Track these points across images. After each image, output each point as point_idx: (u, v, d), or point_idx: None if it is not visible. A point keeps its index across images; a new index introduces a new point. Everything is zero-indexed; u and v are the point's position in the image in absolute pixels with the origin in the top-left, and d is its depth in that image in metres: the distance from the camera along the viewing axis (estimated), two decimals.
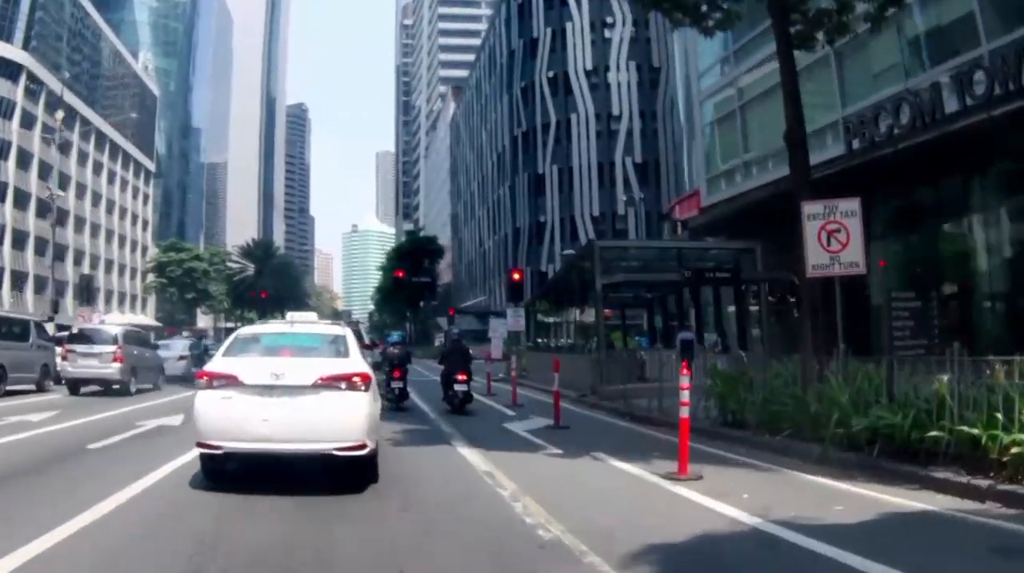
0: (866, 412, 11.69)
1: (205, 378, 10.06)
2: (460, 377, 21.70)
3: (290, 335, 11.54)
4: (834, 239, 13.79)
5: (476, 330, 76.35)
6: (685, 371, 11.52)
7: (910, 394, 11.41)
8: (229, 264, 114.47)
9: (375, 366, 25.02)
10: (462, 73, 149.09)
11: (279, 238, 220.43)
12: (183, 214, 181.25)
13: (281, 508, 9.08)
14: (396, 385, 22.61)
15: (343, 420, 9.86)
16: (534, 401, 25.58)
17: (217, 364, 10.42)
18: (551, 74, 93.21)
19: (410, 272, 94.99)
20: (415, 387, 26.93)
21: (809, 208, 13.97)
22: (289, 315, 13.26)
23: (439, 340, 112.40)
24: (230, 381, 9.87)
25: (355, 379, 10.03)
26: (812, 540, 7.64)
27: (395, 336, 26.67)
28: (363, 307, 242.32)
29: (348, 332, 11.80)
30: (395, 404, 22.18)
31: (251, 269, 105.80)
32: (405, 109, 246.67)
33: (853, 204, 13.86)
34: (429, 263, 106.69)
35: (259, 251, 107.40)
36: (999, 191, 21.73)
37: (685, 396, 11.48)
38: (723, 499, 9.58)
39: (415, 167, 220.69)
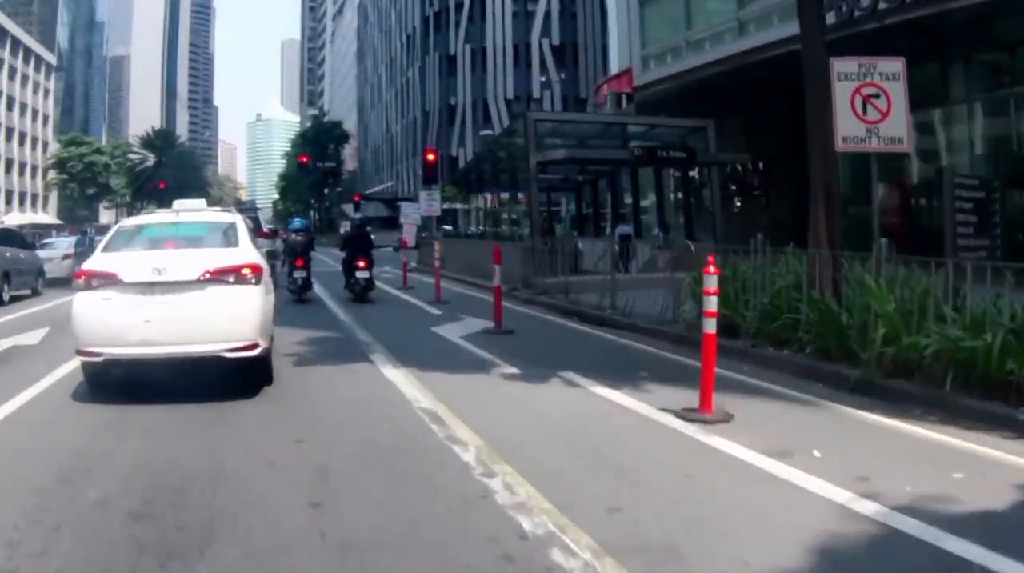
0: (921, 328, 8.83)
1: (83, 278, 9.14)
2: (361, 264, 20.97)
3: (175, 225, 10.68)
4: (871, 107, 10.74)
5: (384, 217, 75.14)
6: (712, 269, 8.38)
7: (990, 310, 8.50)
8: (130, 156, 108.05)
9: (274, 255, 22.14)
10: None
11: (182, 129, 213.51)
12: (87, 110, 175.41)
13: (166, 417, 8.27)
14: (299, 274, 21.25)
15: (232, 318, 9.09)
16: (458, 295, 22.68)
17: (95, 261, 9.51)
18: None
19: (315, 158, 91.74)
20: (319, 279, 24.85)
21: (841, 66, 10.84)
22: (176, 204, 11.75)
23: (344, 228, 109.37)
24: (109, 280, 9.01)
25: (244, 271, 9.23)
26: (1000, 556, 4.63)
27: (297, 222, 24.06)
28: (267, 196, 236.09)
29: (239, 219, 10.94)
30: (298, 295, 21.14)
31: (151, 160, 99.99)
32: None
33: (895, 65, 10.93)
34: (335, 149, 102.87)
35: (159, 141, 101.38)
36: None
37: (711, 304, 8.39)
38: (790, 461, 6.58)
39: (320, 53, 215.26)
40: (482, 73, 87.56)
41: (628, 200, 32.50)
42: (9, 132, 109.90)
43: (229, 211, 11.95)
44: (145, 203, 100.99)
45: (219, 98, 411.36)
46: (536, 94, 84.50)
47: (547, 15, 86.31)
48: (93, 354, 8.97)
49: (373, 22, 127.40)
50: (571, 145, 26.51)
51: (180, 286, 8.95)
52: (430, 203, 33.77)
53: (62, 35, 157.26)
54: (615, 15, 39.29)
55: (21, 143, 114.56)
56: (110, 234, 10.45)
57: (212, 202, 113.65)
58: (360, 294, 20.83)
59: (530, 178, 24.83)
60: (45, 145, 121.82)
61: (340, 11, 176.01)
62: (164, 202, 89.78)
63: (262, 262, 9.81)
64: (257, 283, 9.30)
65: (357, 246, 21.78)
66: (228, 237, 10.16)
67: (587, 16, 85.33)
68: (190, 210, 11.46)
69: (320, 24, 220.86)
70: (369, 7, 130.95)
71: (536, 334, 14.93)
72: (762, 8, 23.97)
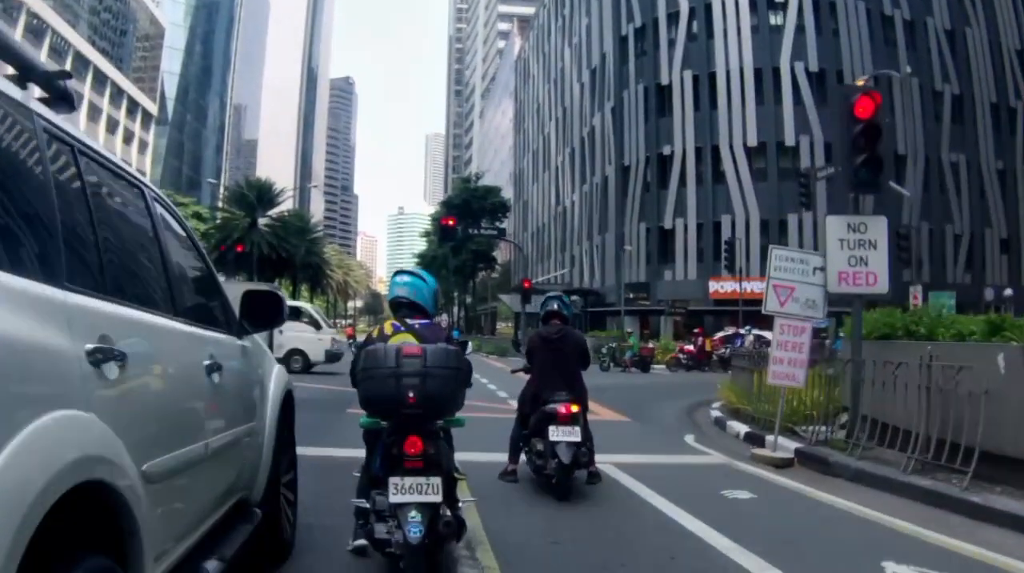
0: None
1: None
2: (563, 410, 8.94)
3: None
4: None
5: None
6: None
7: None
8: (218, 215, 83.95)
9: None
10: (527, 9, 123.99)
11: (318, 215, 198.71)
12: (198, 174, 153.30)
13: None
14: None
15: None
16: None
17: None
18: None
19: (465, 230, 66.05)
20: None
21: None
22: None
23: (502, 327, 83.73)
24: None
25: None
26: None
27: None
28: None
29: None
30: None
31: (242, 220, 75.10)
32: (457, 79, 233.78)
33: None
34: (489, 224, 76.13)
35: (252, 194, 76.34)
36: None
37: None
38: None
39: (467, 137, 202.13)
40: (710, 109, 60.48)
41: None
42: None
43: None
44: (228, 274, 77.00)
45: (360, 189, 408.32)
46: (790, 139, 57.42)
47: (799, 30, 59.19)
48: None
49: (536, 74, 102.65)
50: None
51: None
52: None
53: (168, 83, 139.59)
54: None
55: None
56: None
57: (331, 286, 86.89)
58: (560, 484, 8.63)
59: None
60: None
61: (493, 80, 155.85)
62: (258, 274, 65.32)
63: None
64: None
65: (553, 358, 9.47)
66: None
67: (852, 33, 58.98)
68: None
69: (468, 105, 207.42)
70: (531, 58, 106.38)
71: None
72: None
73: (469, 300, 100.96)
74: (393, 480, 5.26)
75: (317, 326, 31.16)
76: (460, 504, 5.75)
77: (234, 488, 4.68)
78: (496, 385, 25.18)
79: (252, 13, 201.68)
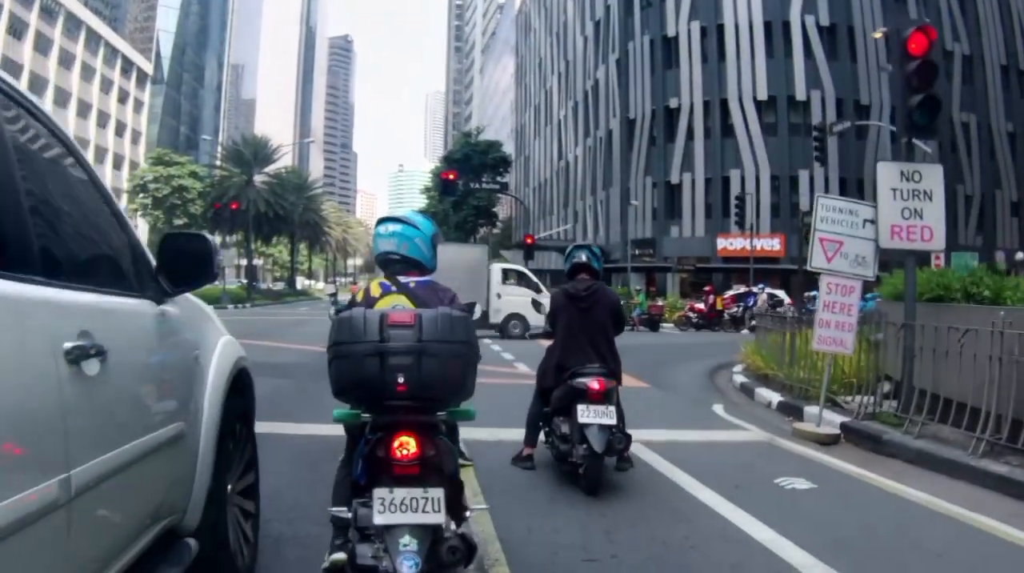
0: None
1: None
2: (595, 386, 7.30)
3: None
4: None
5: (560, 270, 51.04)
6: None
7: None
8: (216, 173, 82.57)
9: None
10: None
11: (317, 173, 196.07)
12: (195, 132, 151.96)
13: None
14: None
15: None
16: None
17: None
18: None
19: (466, 183, 64.88)
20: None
21: None
22: None
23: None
24: None
25: None
26: None
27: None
28: None
29: None
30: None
31: (238, 178, 73.62)
32: (457, 35, 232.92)
33: None
34: (491, 178, 74.47)
35: (248, 151, 74.57)
36: None
37: None
38: None
39: (467, 93, 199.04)
40: (718, 62, 58.62)
41: None
42: (83, 147, 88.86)
43: None
44: (226, 234, 75.90)
45: (359, 147, 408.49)
46: (801, 94, 55.76)
47: None
48: None
49: (538, 28, 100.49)
50: None
51: None
52: None
53: (164, 41, 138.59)
54: None
55: (100, 161, 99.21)
56: None
57: (330, 244, 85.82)
58: (592, 477, 7.08)
59: None
60: (134, 166, 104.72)
61: (493, 35, 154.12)
62: (256, 234, 64.51)
63: None
64: None
65: (581, 321, 7.88)
66: None
67: None
68: None
69: (468, 61, 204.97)
70: (532, 11, 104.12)
71: None
72: None
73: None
74: (379, 494, 3.86)
75: (537, 289, 30.47)
76: (468, 514, 4.31)
77: (156, 515, 3.30)
78: (500, 346, 23.78)
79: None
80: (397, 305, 4.47)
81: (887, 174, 10.73)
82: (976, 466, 8.21)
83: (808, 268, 11.12)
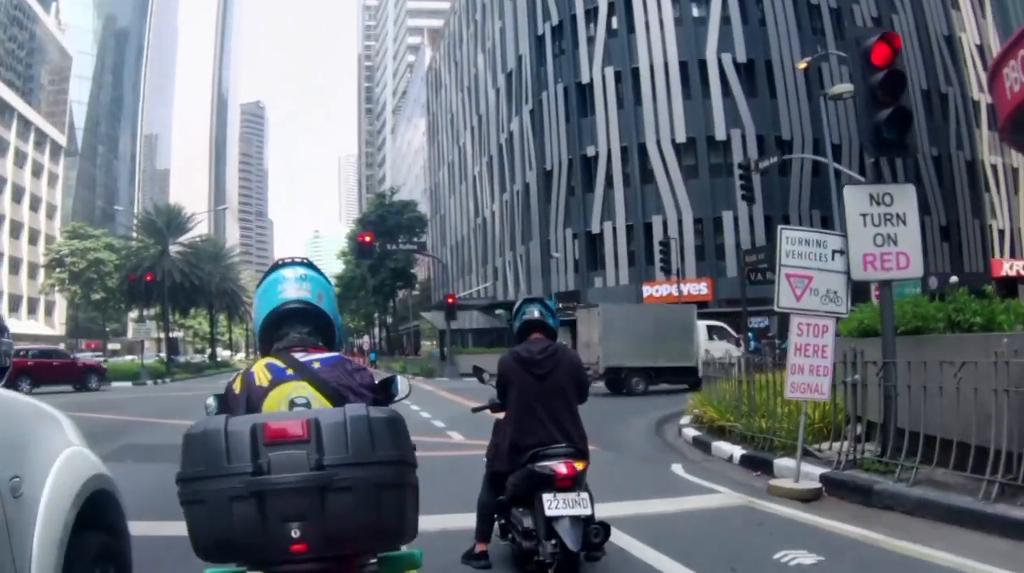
0: None
1: None
2: (563, 470, 5.90)
3: None
4: None
5: (482, 329, 64.06)
6: None
7: None
8: (131, 244, 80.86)
9: None
10: (437, 22, 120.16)
11: (233, 241, 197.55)
12: (110, 203, 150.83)
13: None
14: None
15: None
16: None
17: None
18: None
19: (382, 247, 65.30)
20: None
21: None
22: None
23: (427, 346, 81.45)
24: None
25: None
26: None
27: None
28: None
29: None
30: None
31: (153, 248, 72.10)
32: (368, 97, 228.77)
33: None
34: (407, 239, 73.38)
35: (162, 220, 72.90)
36: None
37: None
38: None
39: (379, 154, 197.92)
40: (634, 106, 58.25)
41: None
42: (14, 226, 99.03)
43: None
44: (142, 308, 75.01)
45: (275, 213, 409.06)
46: (721, 134, 55.55)
47: (725, 21, 57.54)
48: None
49: (448, 84, 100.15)
50: None
51: None
52: None
53: (77, 113, 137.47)
54: None
55: (15, 236, 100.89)
56: None
57: (249, 314, 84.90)
58: None
59: None
60: (50, 240, 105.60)
61: (404, 95, 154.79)
62: (173, 306, 63.55)
63: None
64: None
65: (539, 389, 6.30)
66: None
67: (779, 22, 57.39)
68: None
69: (379, 122, 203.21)
70: (442, 68, 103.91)
71: None
72: None
73: (390, 320, 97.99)
74: None
75: (737, 343, 31.33)
76: None
77: None
78: (429, 412, 21.99)
79: (161, 40, 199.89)
80: (298, 399, 3.11)
81: (855, 199, 9.84)
82: (992, 513, 7.40)
83: (776, 309, 10.08)
